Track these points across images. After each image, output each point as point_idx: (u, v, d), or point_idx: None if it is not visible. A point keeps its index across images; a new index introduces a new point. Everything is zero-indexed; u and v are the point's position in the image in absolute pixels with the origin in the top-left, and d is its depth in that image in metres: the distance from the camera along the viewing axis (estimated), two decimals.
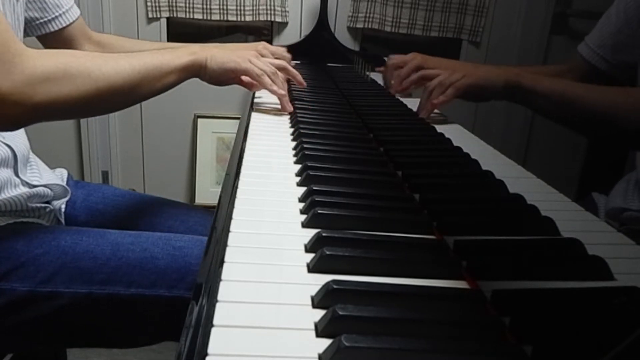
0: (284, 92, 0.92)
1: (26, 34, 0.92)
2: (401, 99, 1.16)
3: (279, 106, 0.94)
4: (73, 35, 0.98)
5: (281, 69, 0.94)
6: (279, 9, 1.87)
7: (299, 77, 1.00)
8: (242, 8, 1.85)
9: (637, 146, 0.97)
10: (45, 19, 0.92)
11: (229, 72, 0.84)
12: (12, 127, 0.68)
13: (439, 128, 0.92)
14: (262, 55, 1.15)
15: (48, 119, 0.67)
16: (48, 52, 0.65)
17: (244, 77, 0.87)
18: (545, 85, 0.92)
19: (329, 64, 1.65)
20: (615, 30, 1.03)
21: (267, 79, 0.88)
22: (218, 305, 0.36)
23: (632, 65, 1.01)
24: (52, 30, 0.94)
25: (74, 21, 0.97)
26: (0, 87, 0.58)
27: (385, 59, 1.34)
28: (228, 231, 0.47)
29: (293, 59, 1.23)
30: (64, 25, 0.95)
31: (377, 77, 1.47)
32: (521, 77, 0.93)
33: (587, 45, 1.08)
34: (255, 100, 1.03)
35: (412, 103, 1.13)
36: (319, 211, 0.50)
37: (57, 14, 0.93)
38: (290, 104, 0.94)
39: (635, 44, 0.99)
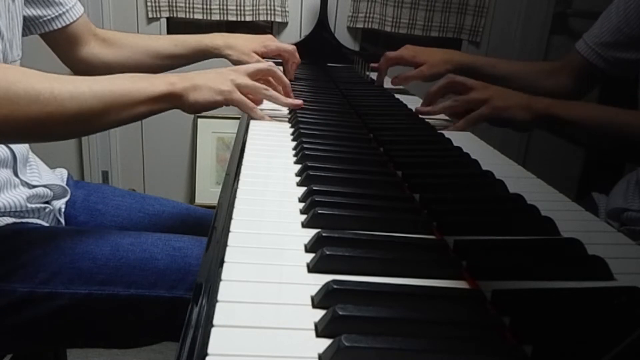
0: (286, 100, 0.87)
1: (30, 32, 0.92)
2: (401, 99, 1.16)
3: (279, 106, 0.93)
4: (77, 32, 0.98)
5: (270, 74, 0.88)
6: (279, 9, 1.87)
7: (287, 88, 0.92)
8: (242, 8, 1.85)
9: None
10: (49, 17, 0.92)
11: (217, 104, 0.76)
12: None
13: (431, 121, 0.92)
14: (265, 54, 1.14)
15: None
16: None
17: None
18: (580, 113, 0.87)
19: (329, 64, 1.64)
20: (614, 28, 1.03)
21: (259, 112, 0.83)
22: (218, 305, 0.36)
23: (631, 63, 1.00)
24: (55, 28, 0.94)
25: (77, 19, 0.96)
26: None
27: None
28: (228, 231, 0.47)
29: None
30: (68, 23, 0.95)
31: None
32: (552, 107, 0.88)
33: (585, 43, 1.08)
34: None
35: (413, 103, 1.13)
36: (319, 211, 0.50)
37: (60, 11, 0.93)
38: (291, 99, 0.89)
39: (635, 42, 0.99)
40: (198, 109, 0.75)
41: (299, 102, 0.89)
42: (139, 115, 0.69)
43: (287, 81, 0.91)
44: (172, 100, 0.72)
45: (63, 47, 0.99)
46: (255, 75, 0.83)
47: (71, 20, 0.95)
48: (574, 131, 0.90)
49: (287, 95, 0.90)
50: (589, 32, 1.09)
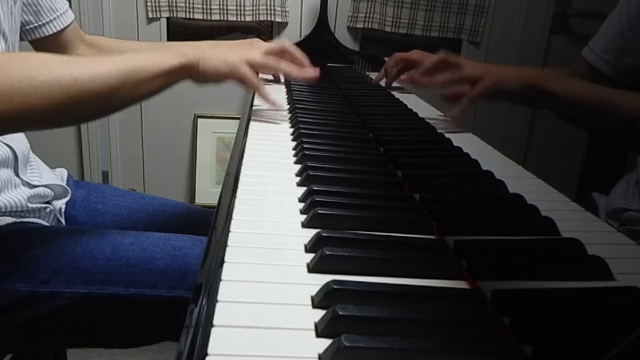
0: (300, 73, 0.89)
1: (21, 38, 0.91)
2: (401, 99, 1.16)
3: (279, 107, 0.94)
4: (67, 39, 0.98)
5: (282, 52, 0.89)
6: (279, 9, 1.87)
7: (303, 61, 0.96)
8: (242, 8, 1.85)
9: None
10: (40, 23, 0.91)
11: (223, 76, 0.78)
12: None
13: (431, 121, 0.93)
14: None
15: (15, 131, 0.62)
16: (15, 56, 0.60)
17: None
18: (571, 88, 0.89)
19: (329, 64, 1.65)
20: (618, 34, 1.02)
21: (264, 91, 0.85)
22: (218, 305, 0.36)
23: (636, 69, 1.00)
24: (46, 34, 0.93)
25: (68, 25, 0.96)
26: None
27: (386, 59, 1.35)
28: (228, 231, 0.47)
29: None
30: (58, 29, 0.94)
31: None
32: (544, 80, 0.90)
33: (591, 50, 1.08)
34: (255, 100, 1.03)
35: (413, 103, 1.13)
36: (319, 211, 0.50)
37: (51, 17, 0.92)
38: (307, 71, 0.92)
39: (639, 47, 0.99)
40: (207, 79, 0.77)
41: (314, 74, 0.89)
42: (155, 89, 0.69)
43: (302, 58, 0.91)
44: (185, 71, 0.73)
45: (52, 52, 0.98)
46: (269, 54, 0.84)
47: (61, 27, 0.94)
48: (565, 106, 0.91)
49: (302, 69, 0.90)
50: (594, 38, 1.09)
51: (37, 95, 0.58)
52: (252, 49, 0.82)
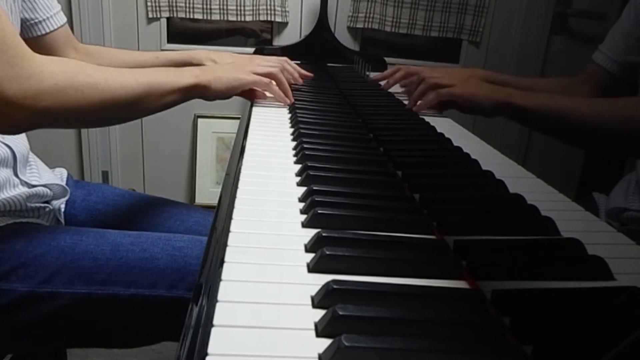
0: (289, 100, 0.97)
1: None
2: (401, 99, 1.16)
3: (279, 105, 0.96)
4: (58, 42, 0.96)
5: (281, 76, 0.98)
6: (279, 9, 1.87)
7: (300, 72, 1.09)
8: (242, 8, 1.85)
9: (634, 153, 0.97)
10: (34, 21, 0.91)
11: (237, 89, 0.86)
12: (14, 131, 0.68)
13: (432, 121, 0.94)
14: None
15: (50, 127, 0.66)
16: (57, 59, 0.64)
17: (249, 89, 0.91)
18: (536, 102, 0.91)
19: (329, 64, 1.65)
20: (626, 32, 1.03)
21: (275, 88, 0.94)
22: (218, 305, 0.36)
23: None
24: (38, 34, 0.92)
25: (60, 27, 0.95)
26: (7, 91, 0.56)
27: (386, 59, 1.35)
28: (228, 231, 0.47)
29: (293, 59, 1.23)
30: (50, 30, 0.93)
31: None
32: (512, 96, 0.93)
33: (600, 51, 1.09)
34: (255, 100, 1.03)
35: None
36: (319, 211, 0.50)
37: (46, 16, 0.91)
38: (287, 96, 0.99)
39: None
40: (220, 97, 0.85)
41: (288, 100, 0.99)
42: (170, 103, 0.76)
43: (298, 73, 1.08)
44: (198, 91, 0.80)
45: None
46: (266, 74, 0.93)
47: (53, 28, 0.93)
48: (535, 119, 0.94)
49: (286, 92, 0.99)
50: (604, 42, 1.09)
51: (77, 96, 0.62)
52: (253, 63, 0.93)
